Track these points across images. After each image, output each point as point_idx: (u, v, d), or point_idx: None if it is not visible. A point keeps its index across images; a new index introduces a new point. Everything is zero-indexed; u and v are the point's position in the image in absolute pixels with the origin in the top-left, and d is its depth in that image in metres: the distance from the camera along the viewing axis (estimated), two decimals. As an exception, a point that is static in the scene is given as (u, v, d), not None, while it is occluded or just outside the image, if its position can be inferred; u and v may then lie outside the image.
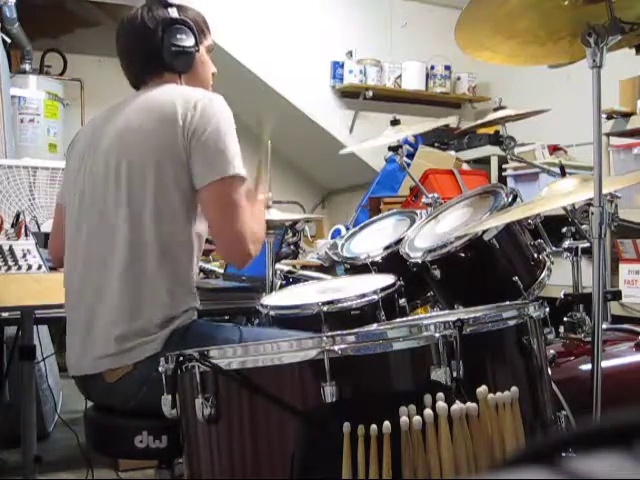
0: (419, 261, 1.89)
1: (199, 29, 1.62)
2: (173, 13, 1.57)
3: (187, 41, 1.57)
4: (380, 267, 2.12)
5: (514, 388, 1.11)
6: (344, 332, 1.11)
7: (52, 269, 1.95)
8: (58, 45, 5.04)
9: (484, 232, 1.77)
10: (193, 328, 1.47)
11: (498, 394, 1.08)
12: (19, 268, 2.04)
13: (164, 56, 1.55)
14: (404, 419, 1.01)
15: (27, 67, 4.38)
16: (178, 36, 1.56)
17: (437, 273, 1.84)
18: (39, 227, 2.59)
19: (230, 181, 1.42)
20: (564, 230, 1.89)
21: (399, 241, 2.11)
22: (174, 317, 1.44)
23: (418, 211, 2.36)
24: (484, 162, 4.39)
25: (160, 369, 1.19)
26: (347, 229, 3.45)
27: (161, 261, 1.43)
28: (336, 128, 5.06)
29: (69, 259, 1.56)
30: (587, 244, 1.83)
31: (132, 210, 1.44)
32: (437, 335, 1.07)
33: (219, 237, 1.49)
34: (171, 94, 1.49)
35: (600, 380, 1.33)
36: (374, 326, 1.51)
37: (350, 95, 5.11)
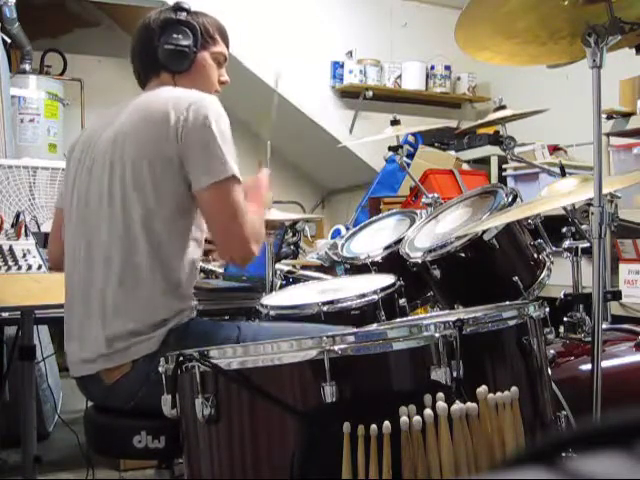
0: (419, 261, 1.89)
1: (206, 34, 1.62)
2: (181, 16, 1.58)
3: (183, 40, 1.57)
4: (380, 267, 2.12)
5: (514, 388, 1.11)
6: (344, 332, 1.11)
7: (52, 269, 1.95)
8: (58, 45, 5.04)
9: (484, 232, 1.77)
10: (191, 327, 1.47)
11: (498, 394, 1.08)
12: (19, 268, 2.04)
13: (158, 53, 1.57)
14: (404, 419, 1.01)
15: (27, 67, 4.38)
16: (175, 35, 1.57)
17: (437, 273, 1.84)
18: (39, 227, 2.59)
19: (226, 183, 1.41)
20: (564, 230, 1.88)
21: (399, 241, 2.11)
22: (169, 318, 1.44)
23: (418, 211, 2.36)
24: (484, 162, 4.39)
25: (160, 369, 1.19)
26: (347, 229, 3.46)
27: (153, 263, 1.43)
28: (336, 128, 5.06)
29: (68, 261, 1.56)
30: (587, 244, 1.82)
31: (125, 213, 1.44)
32: (437, 335, 1.07)
33: (219, 239, 1.48)
34: (165, 97, 1.49)
35: (600, 380, 1.33)
36: (374, 326, 1.51)
37: (350, 95, 5.10)
